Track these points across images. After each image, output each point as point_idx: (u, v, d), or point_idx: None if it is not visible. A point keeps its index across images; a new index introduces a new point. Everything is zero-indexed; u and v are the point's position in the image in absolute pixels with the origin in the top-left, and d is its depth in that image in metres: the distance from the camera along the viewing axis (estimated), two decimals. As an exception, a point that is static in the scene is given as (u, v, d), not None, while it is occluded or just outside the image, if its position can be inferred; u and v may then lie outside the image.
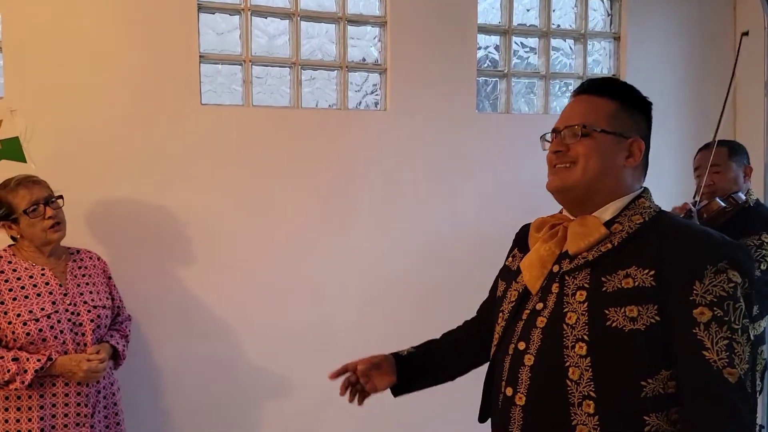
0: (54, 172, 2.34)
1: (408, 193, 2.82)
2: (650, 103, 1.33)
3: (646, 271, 1.13)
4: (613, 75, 3.25)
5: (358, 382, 1.50)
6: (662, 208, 1.26)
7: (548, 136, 1.33)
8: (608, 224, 1.23)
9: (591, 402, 1.13)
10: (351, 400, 1.51)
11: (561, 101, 3.22)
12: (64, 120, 2.38)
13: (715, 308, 1.08)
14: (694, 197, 2.35)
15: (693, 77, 3.34)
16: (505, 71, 3.08)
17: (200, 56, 2.54)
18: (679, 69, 3.33)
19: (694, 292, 1.09)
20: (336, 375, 1.51)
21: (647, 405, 1.12)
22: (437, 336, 1.67)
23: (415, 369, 1.52)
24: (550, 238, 1.30)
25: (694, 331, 1.08)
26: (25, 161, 2.32)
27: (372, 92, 2.91)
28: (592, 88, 1.31)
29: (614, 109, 1.26)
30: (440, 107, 2.86)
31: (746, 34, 2.49)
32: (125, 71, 2.44)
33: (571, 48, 3.26)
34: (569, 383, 1.15)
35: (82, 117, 2.40)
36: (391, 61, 2.80)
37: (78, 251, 2.17)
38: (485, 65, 3.08)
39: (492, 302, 1.49)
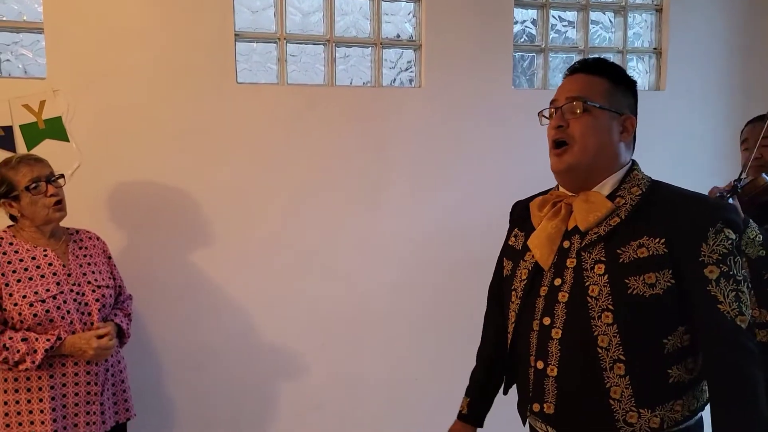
0: (94, 150, 2.41)
1: (443, 171, 2.81)
2: (635, 82, 1.42)
3: (657, 239, 1.24)
4: (655, 49, 3.15)
5: None
6: (652, 177, 1.36)
7: (546, 112, 1.41)
8: (609, 198, 1.32)
9: (621, 364, 1.24)
10: None
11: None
12: (104, 99, 2.42)
13: (721, 265, 1.21)
14: (741, 174, 2.27)
15: (739, 50, 3.22)
16: (543, 46, 3.02)
17: (235, 34, 2.56)
18: (725, 42, 3.20)
19: (702, 253, 1.22)
20: None
21: (670, 359, 1.25)
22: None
23: (481, 412, 1.61)
24: (554, 215, 1.38)
25: (707, 288, 1.21)
26: (68, 140, 2.38)
27: (406, 69, 2.89)
28: (585, 67, 1.38)
29: (608, 87, 1.35)
30: (476, 83, 2.83)
31: None
32: (163, 51, 2.47)
33: (610, 21, 3.17)
34: (600, 350, 1.26)
35: (121, 96, 2.44)
36: (426, 37, 2.77)
37: (77, 231, 2.14)
38: (522, 40, 3.03)
39: (499, 284, 1.59)
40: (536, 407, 1.35)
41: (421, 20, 2.78)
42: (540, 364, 1.33)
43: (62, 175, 2.04)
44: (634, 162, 1.38)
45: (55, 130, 2.37)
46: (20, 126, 2.34)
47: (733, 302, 1.20)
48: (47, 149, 2.33)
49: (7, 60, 2.45)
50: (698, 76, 3.14)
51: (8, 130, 2.33)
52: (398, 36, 2.84)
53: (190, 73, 2.50)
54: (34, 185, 1.93)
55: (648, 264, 1.23)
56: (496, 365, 1.58)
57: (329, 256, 2.71)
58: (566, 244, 1.35)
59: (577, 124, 1.32)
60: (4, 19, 2.41)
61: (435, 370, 2.87)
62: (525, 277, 1.40)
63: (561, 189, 1.42)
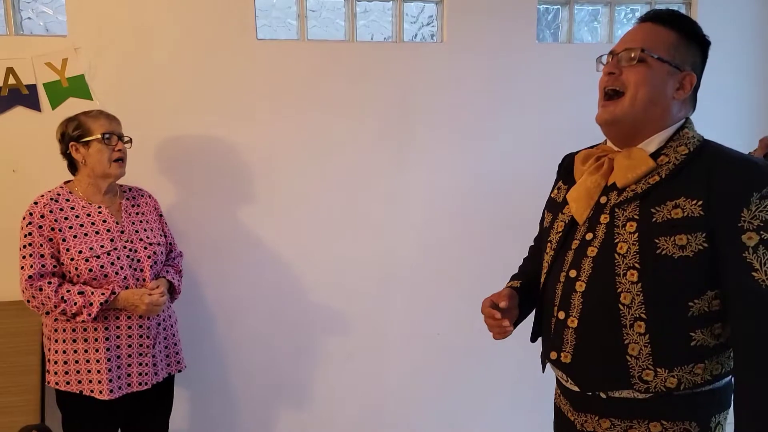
0: (117, 108, 2.41)
1: (466, 127, 2.78)
2: (709, 42, 1.34)
3: (695, 201, 1.19)
4: (684, 0, 3.06)
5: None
6: (705, 138, 1.30)
7: (604, 59, 1.36)
8: (654, 156, 1.28)
9: (642, 323, 1.24)
10: (502, 337, 1.45)
11: (627, 29, 3.06)
12: (125, 57, 2.42)
13: (762, 232, 1.16)
14: None
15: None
16: (568, -2, 2.95)
17: (255, -11, 2.53)
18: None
19: (742, 218, 1.16)
20: (494, 314, 1.42)
21: (694, 322, 1.23)
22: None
23: (523, 301, 1.52)
24: (596, 170, 1.36)
25: (743, 255, 1.17)
26: (91, 98, 2.39)
27: (428, 24, 2.84)
28: (657, 17, 1.32)
29: (675, 40, 1.29)
30: (499, 38, 2.77)
31: None
32: (182, 7, 2.45)
33: (639, -29, 3.07)
34: (621, 307, 1.25)
35: (143, 54, 2.44)
36: (448, -10, 2.71)
37: (130, 189, 2.22)
38: (546, -8, 2.96)
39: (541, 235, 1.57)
40: (553, 355, 1.37)
41: (444, -28, 2.72)
42: (561, 315, 1.34)
43: (131, 139, 2.14)
44: (687, 120, 1.33)
45: (79, 88, 2.38)
46: (44, 84, 2.35)
47: None
48: (71, 107, 2.34)
49: (28, 18, 2.45)
50: (730, 29, 3.04)
51: (32, 88, 2.34)
52: (420, -11, 2.78)
53: (210, 29, 2.48)
54: (107, 136, 2.03)
55: (681, 225, 1.20)
56: (533, 286, 1.53)
57: (353, 211, 2.73)
58: (603, 199, 1.33)
59: (631, 72, 1.28)
60: (24, -24, 2.40)
61: (458, 325, 2.90)
62: (560, 230, 1.40)
63: (608, 143, 1.39)
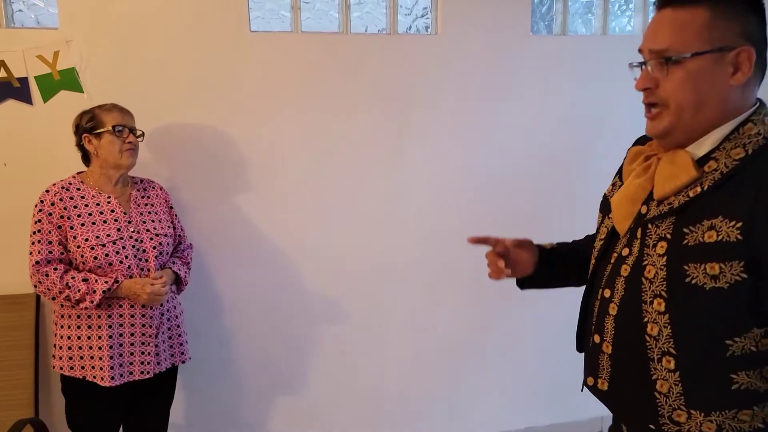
0: (108, 101, 2.39)
1: (460, 119, 2.77)
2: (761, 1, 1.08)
3: (733, 223, 1.00)
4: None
5: (503, 256, 1.37)
6: None
7: (636, 62, 1.17)
8: (703, 160, 1.08)
9: (671, 358, 1.08)
10: (497, 276, 1.35)
11: (620, 21, 3.06)
12: (117, 50, 2.40)
13: None
14: None
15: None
16: (562, -10, 2.94)
17: (248, -19, 2.51)
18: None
19: None
20: (476, 241, 1.38)
21: (735, 363, 1.05)
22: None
23: (552, 266, 1.42)
24: (643, 172, 1.17)
25: None
26: (82, 91, 2.38)
27: (422, 15, 2.83)
28: None
29: (707, 18, 1.04)
30: (493, 29, 2.76)
31: None
32: (175, 0, 2.44)
33: (634, -37, 3.07)
34: (648, 339, 1.11)
35: (135, 46, 2.42)
36: (442, -18, 2.70)
37: (141, 181, 2.26)
38: (541, -16, 2.95)
39: None
40: (590, 381, 1.25)
41: (438, -36, 2.70)
42: (596, 338, 1.22)
43: (143, 133, 2.20)
44: (759, 108, 1.09)
45: (70, 80, 2.37)
46: (36, 77, 2.33)
47: None
48: (63, 100, 2.34)
49: (20, 10, 2.43)
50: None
51: (24, 81, 2.32)
52: (414, -19, 2.77)
53: (203, 21, 2.47)
54: (119, 128, 2.09)
55: (713, 251, 1.01)
56: (577, 259, 1.41)
57: (350, 205, 2.72)
58: (644, 209, 1.15)
59: (667, 83, 1.08)
60: (14, -33, 2.38)
61: (456, 319, 2.91)
62: (603, 237, 1.25)
63: None
